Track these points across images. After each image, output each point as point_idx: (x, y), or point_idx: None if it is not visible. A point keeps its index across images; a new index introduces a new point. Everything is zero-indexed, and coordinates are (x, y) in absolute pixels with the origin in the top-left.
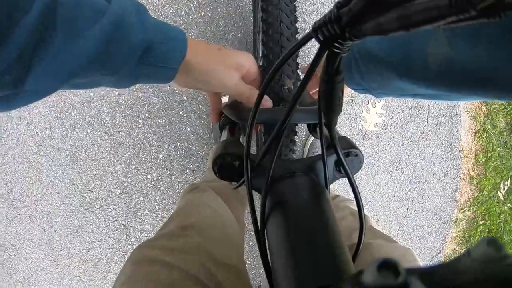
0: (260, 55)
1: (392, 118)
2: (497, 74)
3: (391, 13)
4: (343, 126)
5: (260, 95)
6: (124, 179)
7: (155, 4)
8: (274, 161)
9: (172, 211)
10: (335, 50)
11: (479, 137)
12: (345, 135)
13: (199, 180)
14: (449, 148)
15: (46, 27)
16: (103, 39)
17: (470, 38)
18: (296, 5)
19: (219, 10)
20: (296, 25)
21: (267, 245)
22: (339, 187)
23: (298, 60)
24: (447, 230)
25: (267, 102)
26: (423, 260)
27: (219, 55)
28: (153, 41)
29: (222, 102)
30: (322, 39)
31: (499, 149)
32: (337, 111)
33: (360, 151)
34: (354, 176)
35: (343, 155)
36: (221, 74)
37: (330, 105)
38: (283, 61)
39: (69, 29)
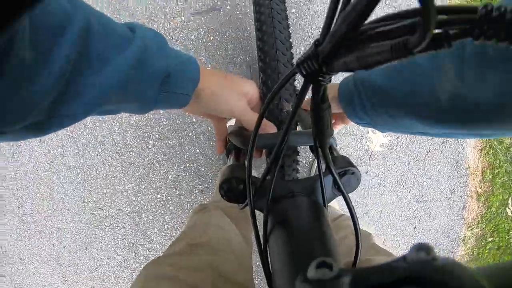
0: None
1: (397, 137)
2: (503, 109)
3: (352, 55)
4: (350, 147)
5: (259, 120)
6: (134, 198)
7: (166, 28)
8: (273, 183)
9: (181, 230)
10: (317, 82)
11: (485, 154)
12: (347, 155)
13: (207, 200)
14: (455, 166)
15: (80, 54)
16: (130, 66)
17: (478, 69)
18: (290, 32)
19: (227, 34)
20: (292, 50)
21: (269, 262)
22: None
23: (296, 83)
24: (455, 248)
25: (271, 128)
26: None
27: (227, 82)
28: (172, 69)
29: (227, 127)
30: (304, 73)
31: (506, 165)
32: (327, 134)
33: (357, 169)
34: (364, 193)
35: (338, 175)
36: (229, 100)
37: (320, 130)
38: (276, 92)
39: (100, 57)
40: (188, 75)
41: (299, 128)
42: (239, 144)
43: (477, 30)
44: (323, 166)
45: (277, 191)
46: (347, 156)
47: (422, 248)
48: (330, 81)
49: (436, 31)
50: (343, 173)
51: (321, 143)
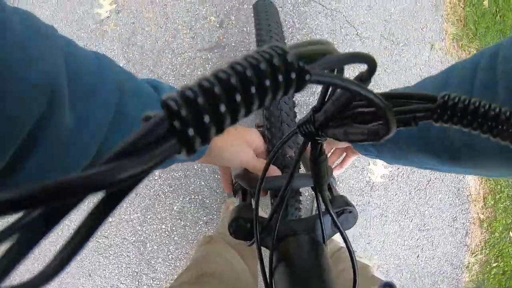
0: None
1: (398, 168)
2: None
3: (341, 129)
4: (351, 178)
5: (266, 167)
6: (139, 228)
7: (173, 64)
8: (277, 223)
9: (185, 260)
10: (315, 141)
11: (486, 180)
12: (348, 187)
13: (212, 231)
14: (456, 194)
15: (115, 112)
16: None
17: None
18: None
19: None
20: (295, 109)
21: None
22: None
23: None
24: (459, 275)
25: (276, 172)
26: None
27: (235, 134)
28: None
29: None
30: (303, 133)
31: (507, 189)
32: (324, 181)
33: (354, 208)
34: (366, 224)
35: (336, 214)
36: (239, 153)
37: (318, 178)
38: (279, 147)
39: (134, 116)
40: None
41: (302, 169)
42: (246, 186)
43: (436, 116)
44: (323, 207)
45: (281, 231)
46: (345, 195)
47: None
48: (326, 139)
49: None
50: (341, 212)
51: (320, 188)
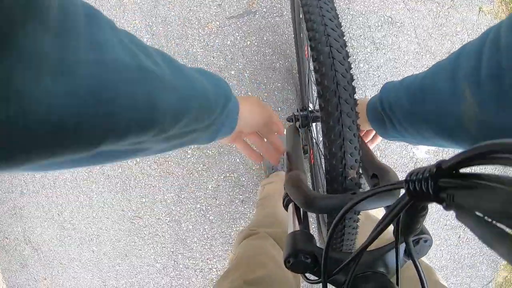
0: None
1: None
2: None
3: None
4: (395, 154)
5: (327, 247)
6: (174, 208)
7: (200, 35)
8: (351, 277)
9: (221, 239)
10: (422, 203)
11: None
12: (392, 162)
13: (248, 210)
14: (504, 172)
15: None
16: (202, 110)
17: (495, 95)
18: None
19: (265, 38)
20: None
21: None
22: None
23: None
24: (499, 258)
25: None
26: None
27: (250, 98)
28: (228, 101)
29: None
30: (412, 191)
31: None
32: (414, 231)
33: (430, 236)
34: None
35: (415, 254)
36: (263, 109)
37: (409, 231)
38: (340, 218)
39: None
40: (233, 101)
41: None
42: (298, 203)
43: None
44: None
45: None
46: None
47: None
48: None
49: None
50: (416, 240)
51: (407, 239)
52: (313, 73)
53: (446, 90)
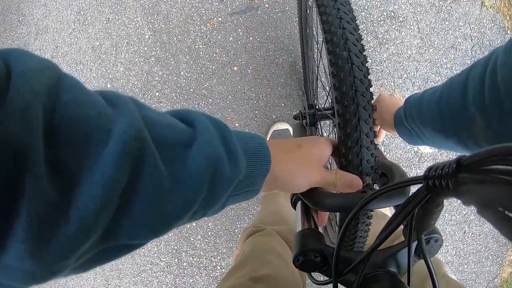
0: (331, 97)
1: None
2: None
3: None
4: (399, 148)
5: (339, 241)
6: None
7: (202, 31)
8: (361, 276)
9: (225, 237)
10: (439, 197)
11: None
12: (396, 157)
13: (252, 207)
14: None
15: (132, 167)
16: (202, 180)
17: (499, 122)
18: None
19: (267, 34)
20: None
21: None
22: None
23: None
24: (504, 253)
25: (358, 182)
26: (478, 286)
27: (299, 157)
28: (245, 169)
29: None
30: (430, 186)
31: None
32: (428, 227)
33: (441, 236)
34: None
35: (428, 254)
36: (307, 175)
37: (421, 227)
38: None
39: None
40: (260, 167)
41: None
42: (309, 203)
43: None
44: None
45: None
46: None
47: None
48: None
49: None
50: (428, 240)
51: (419, 236)
52: (330, 77)
53: (460, 113)
